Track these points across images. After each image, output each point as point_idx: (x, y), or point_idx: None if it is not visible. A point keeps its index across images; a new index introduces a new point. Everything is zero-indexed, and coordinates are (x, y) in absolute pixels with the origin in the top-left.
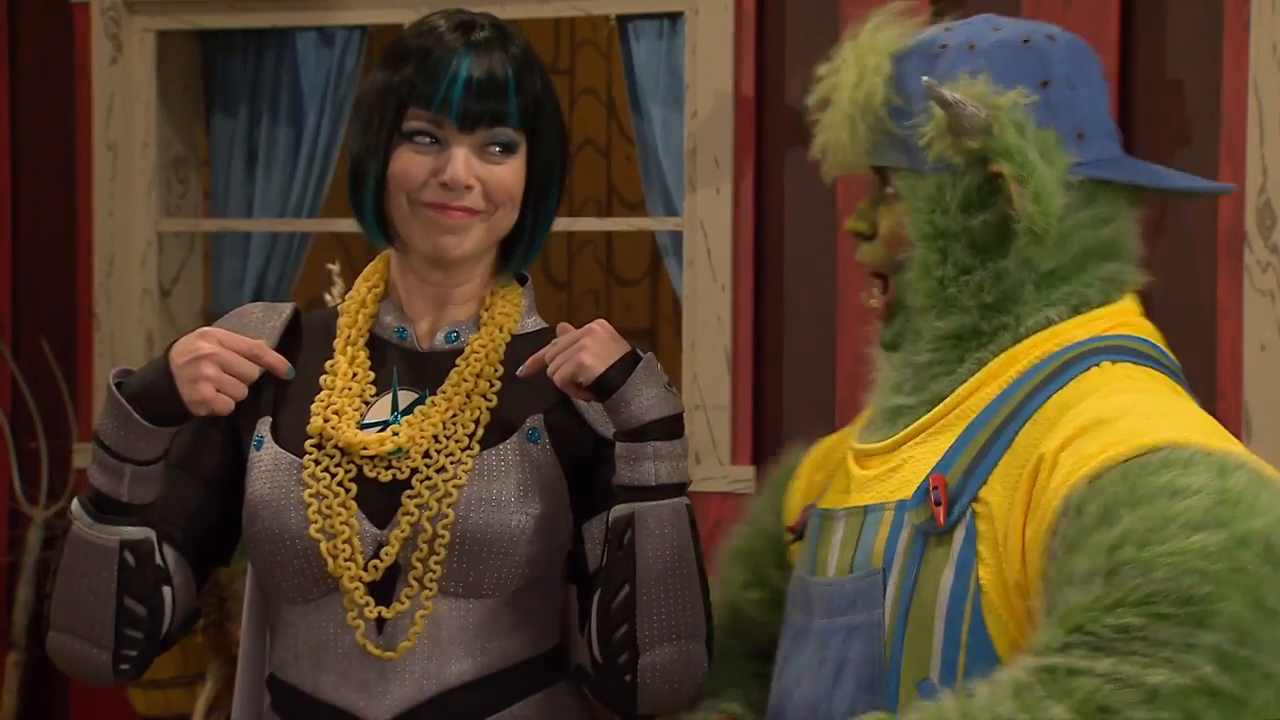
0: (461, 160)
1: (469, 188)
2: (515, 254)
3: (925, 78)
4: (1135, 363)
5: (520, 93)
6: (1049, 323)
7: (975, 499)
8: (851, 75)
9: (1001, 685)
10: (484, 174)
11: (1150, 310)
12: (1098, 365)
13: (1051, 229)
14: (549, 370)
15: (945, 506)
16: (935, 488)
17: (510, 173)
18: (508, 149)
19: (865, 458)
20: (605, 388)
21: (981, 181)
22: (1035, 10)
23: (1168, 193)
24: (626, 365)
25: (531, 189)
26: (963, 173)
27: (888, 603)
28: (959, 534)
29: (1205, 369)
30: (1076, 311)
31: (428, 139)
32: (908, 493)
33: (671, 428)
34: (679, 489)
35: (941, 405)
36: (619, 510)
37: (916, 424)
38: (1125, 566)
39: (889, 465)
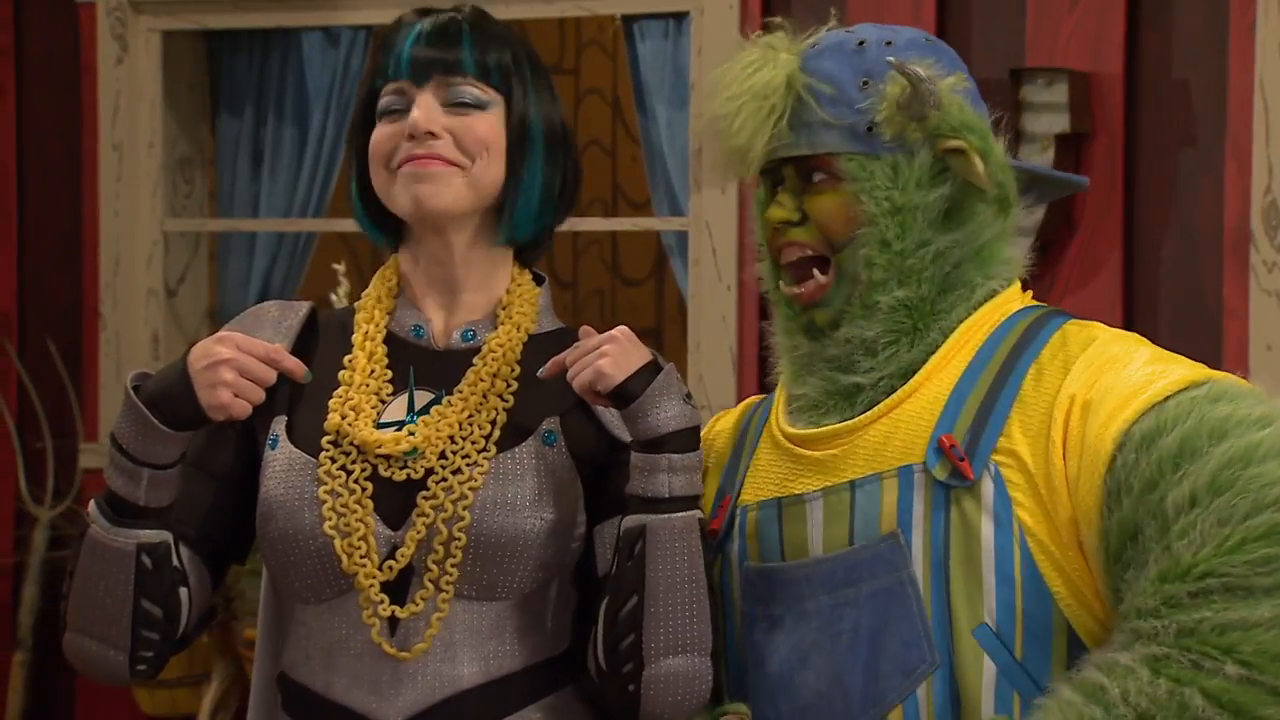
0: (422, 107)
1: (432, 134)
2: (504, 220)
3: (891, 58)
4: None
5: (476, 45)
6: (993, 294)
7: (995, 450)
8: (764, 76)
9: (1123, 668)
10: (452, 124)
11: (1156, 310)
12: (1067, 322)
13: (1016, 198)
14: (568, 375)
15: (968, 461)
16: (952, 446)
17: (481, 123)
18: (475, 104)
19: (821, 441)
20: (624, 397)
21: (933, 160)
22: (1039, 11)
23: (1045, 185)
24: (647, 375)
25: (511, 149)
26: (916, 151)
27: (916, 560)
28: (986, 485)
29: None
30: (1010, 283)
31: (395, 109)
32: (913, 457)
33: (688, 440)
34: (691, 501)
35: (920, 373)
36: (630, 521)
37: (895, 395)
38: (1236, 498)
39: (865, 440)
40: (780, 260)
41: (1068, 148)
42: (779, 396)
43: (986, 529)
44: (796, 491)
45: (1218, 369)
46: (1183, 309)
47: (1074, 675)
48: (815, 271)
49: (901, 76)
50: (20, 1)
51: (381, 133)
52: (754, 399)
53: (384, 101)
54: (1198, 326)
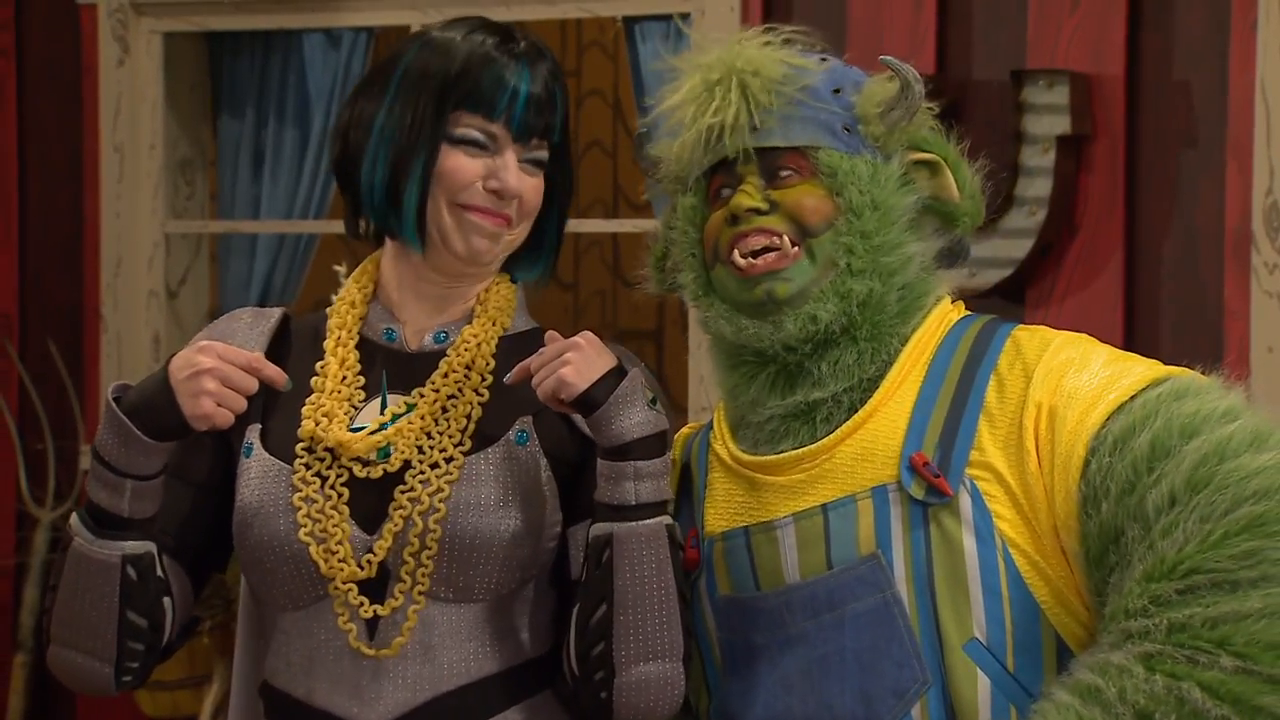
0: (515, 170)
1: (513, 199)
2: (521, 263)
3: (884, 56)
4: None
5: (563, 110)
6: (939, 302)
7: (968, 464)
8: (750, 58)
9: (1116, 667)
10: (523, 186)
11: (1157, 311)
12: (1014, 328)
13: (982, 213)
14: (533, 382)
15: (943, 477)
16: (925, 463)
17: (538, 188)
18: (539, 164)
19: (785, 466)
20: (587, 405)
21: (905, 170)
22: (1040, 13)
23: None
24: (610, 382)
25: (551, 202)
26: (890, 157)
27: (899, 579)
28: (964, 501)
29: (1211, 371)
30: (943, 295)
31: (478, 145)
32: (885, 477)
33: (653, 446)
34: (659, 508)
35: (880, 391)
36: (598, 528)
37: (857, 415)
38: (1215, 494)
39: (832, 462)
40: (735, 253)
41: (1069, 149)
42: (719, 424)
43: (969, 544)
44: (764, 519)
45: (1219, 371)
46: (1184, 310)
47: (1066, 678)
48: (781, 240)
49: (893, 73)
50: (21, 2)
51: (460, 164)
52: (686, 431)
53: (468, 132)
54: (1198, 328)
